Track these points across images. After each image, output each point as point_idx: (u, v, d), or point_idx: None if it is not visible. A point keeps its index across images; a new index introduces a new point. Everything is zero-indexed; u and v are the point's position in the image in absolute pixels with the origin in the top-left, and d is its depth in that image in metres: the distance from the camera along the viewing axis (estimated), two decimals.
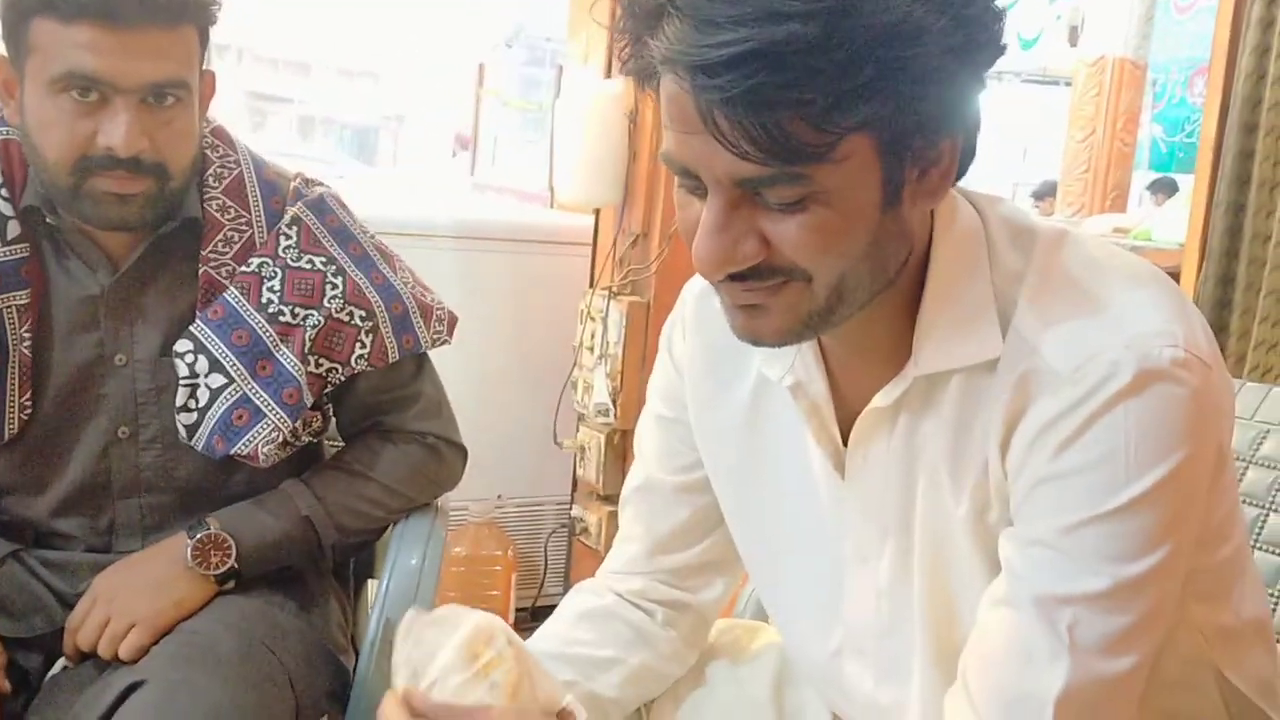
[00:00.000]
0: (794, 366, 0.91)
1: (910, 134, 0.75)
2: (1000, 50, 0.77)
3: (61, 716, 1.16)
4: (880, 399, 0.86)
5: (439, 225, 2.74)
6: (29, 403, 1.25)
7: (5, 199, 1.25)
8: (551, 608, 3.01)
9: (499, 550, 2.65)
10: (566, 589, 2.82)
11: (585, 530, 2.62)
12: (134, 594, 1.22)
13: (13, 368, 1.24)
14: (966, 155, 0.80)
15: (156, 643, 1.19)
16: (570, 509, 2.73)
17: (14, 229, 1.25)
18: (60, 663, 1.26)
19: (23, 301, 1.25)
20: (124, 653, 1.19)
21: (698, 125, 0.73)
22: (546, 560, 2.83)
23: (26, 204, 1.25)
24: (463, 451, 1.45)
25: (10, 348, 1.24)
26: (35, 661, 1.27)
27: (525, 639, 2.84)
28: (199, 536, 1.26)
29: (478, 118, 4.95)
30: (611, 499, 2.60)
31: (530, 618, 2.76)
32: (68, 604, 1.26)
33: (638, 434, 1.11)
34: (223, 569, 1.26)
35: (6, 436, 1.25)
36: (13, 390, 1.24)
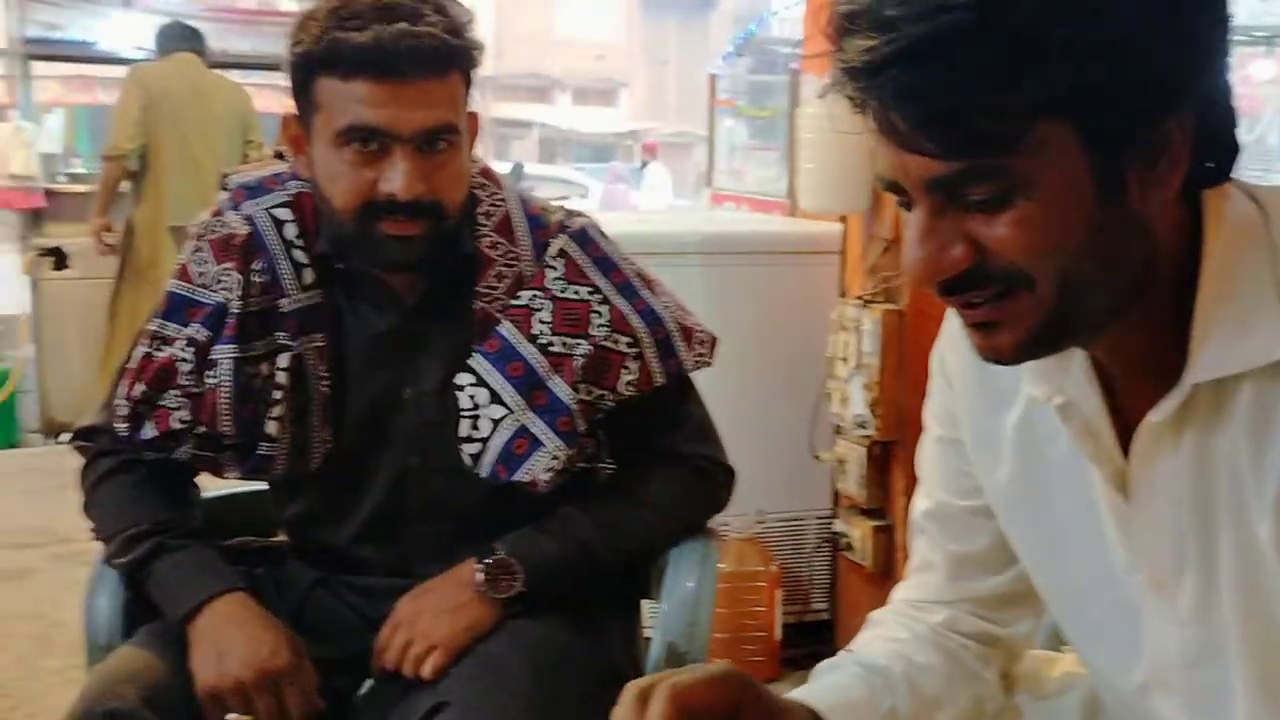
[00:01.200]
0: (1063, 385, 0.86)
1: (1116, 115, 0.70)
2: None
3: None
4: (1156, 413, 0.80)
5: (684, 241, 2.77)
6: (330, 437, 1.35)
7: (301, 248, 1.34)
8: (819, 624, 2.97)
9: (762, 566, 2.64)
10: (833, 605, 2.80)
11: (850, 545, 2.58)
12: (433, 618, 1.28)
13: (315, 405, 1.33)
14: (1214, 137, 0.74)
15: (455, 664, 1.25)
16: (832, 524, 2.70)
17: (309, 276, 1.35)
18: (368, 683, 1.34)
19: (320, 343, 1.34)
20: (426, 673, 1.25)
21: (882, 133, 0.73)
22: (811, 576, 2.80)
23: (320, 251, 1.34)
24: (731, 473, 1.45)
25: (312, 386, 1.33)
26: (345, 682, 1.36)
27: (792, 655, 2.80)
28: (488, 562, 1.31)
29: (712, 128, 4.99)
30: (874, 513, 2.55)
31: (797, 634, 2.74)
32: (373, 626, 1.33)
33: (919, 459, 1.08)
34: (511, 593, 1.31)
35: (311, 469, 1.34)
36: (315, 426, 1.34)
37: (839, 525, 2.65)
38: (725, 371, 1.56)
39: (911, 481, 1.12)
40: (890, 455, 2.51)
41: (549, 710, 1.17)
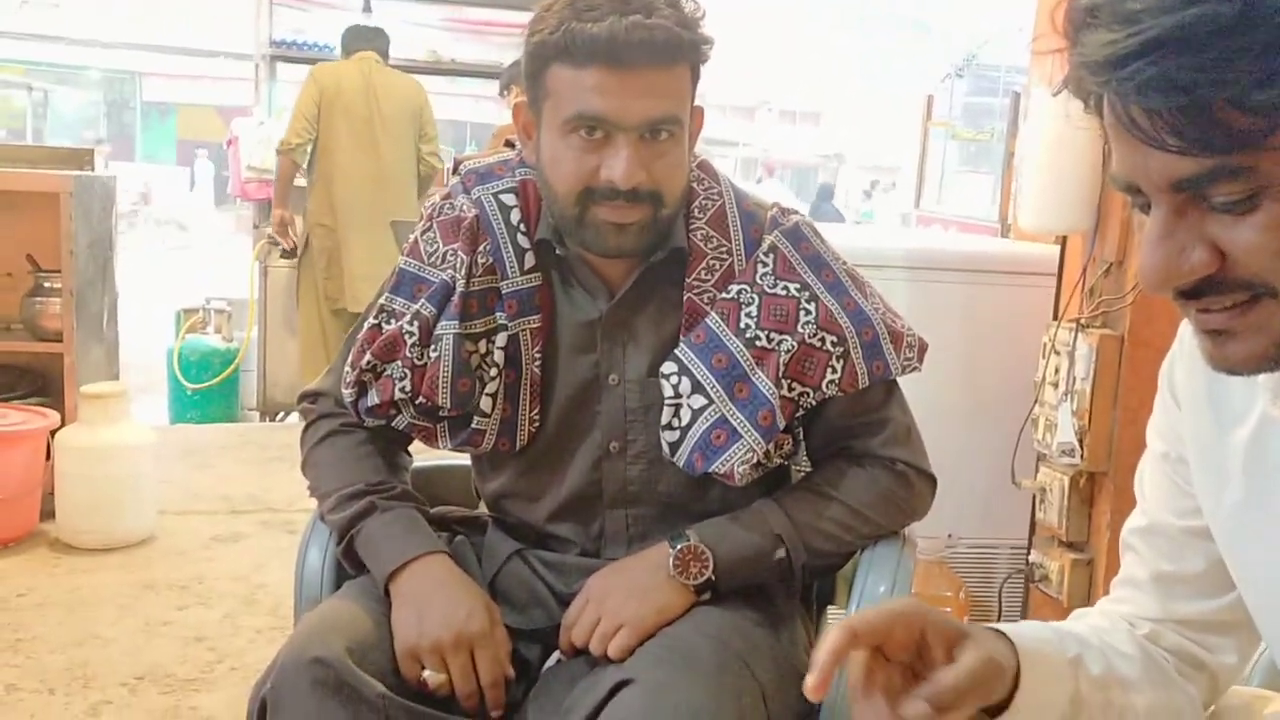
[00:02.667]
0: None
1: None
2: None
3: (556, 705, 1.26)
4: None
5: (890, 255, 2.72)
6: (537, 417, 1.38)
7: (524, 233, 1.39)
8: None
9: (949, 591, 2.57)
10: None
11: (1045, 578, 2.48)
12: (623, 598, 1.30)
13: (525, 385, 1.37)
14: None
15: (641, 644, 1.26)
16: (1028, 554, 2.60)
17: (530, 260, 1.39)
18: (555, 656, 1.36)
19: (535, 325, 1.38)
20: (613, 651, 1.27)
21: (1122, 129, 0.70)
22: (1001, 606, 2.71)
23: (540, 237, 1.38)
24: (932, 481, 1.42)
25: (524, 366, 1.37)
26: (534, 652, 1.39)
27: None
28: (680, 547, 1.32)
29: (924, 150, 4.91)
30: (1076, 545, 2.44)
31: None
32: (563, 601, 1.36)
33: (1138, 476, 1.04)
34: (700, 579, 1.31)
35: (518, 447, 1.38)
36: (524, 405, 1.38)
37: (1035, 556, 2.55)
38: (927, 388, 1.53)
39: (1118, 515, 1.08)
40: (1096, 486, 2.39)
41: (736, 699, 1.17)
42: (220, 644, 2.90)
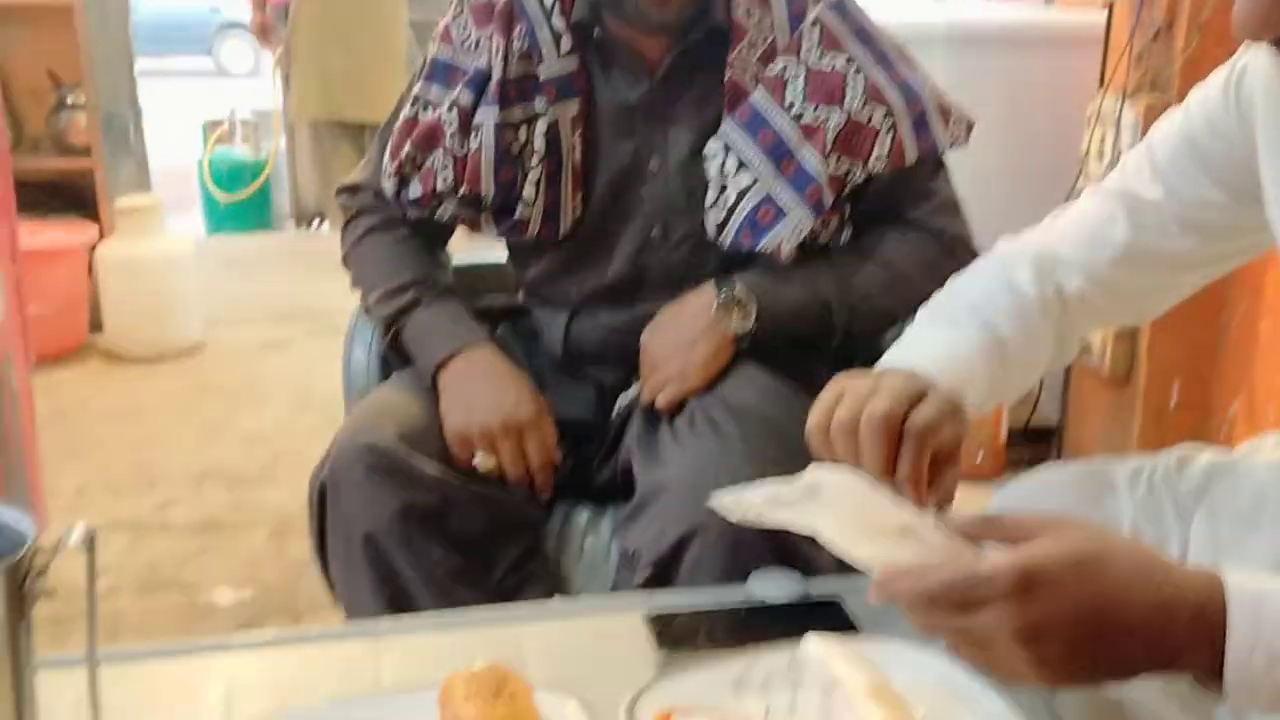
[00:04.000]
0: None
1: None
2: None
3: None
4: None
5: (930, 28, 2.62)
6: (580, 204, 1.37)
7: (559, 14, 1.34)
8: (1046, 430, 2.88)
9: None
10: (1063, 411, 2.72)
11: (1087, 349, 2.48)
12: (669, 351, 1.32)
13: (567, 171, 1.35)
14: None
15: (687, 398, 1.30)
16: None
17: (566, 43, 1.35)
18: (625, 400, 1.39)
19: (573, 111, 1.35)
20: (661, 404, 1.31)
21: None
22: (1043, 379, 2.71)
23: (576, 18, 1.33)
24: (975, 255, 1.39)
25: (565, 153, 1.35)
26: (583, 449, 1.41)
27: (1015, 458, 2.74)
28: (725, 294, 1.32)
29: None
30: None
31: (1022, 439, 2.69)
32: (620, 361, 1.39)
33: (1149, 136, 1.03)
34: (743, 328, 1.32)
35: (560, 235, 1.37)
36: (566, 192, 1.36)
37: None
38: (969, 163, 1.49)
39: None
40: None
41: (778, 466, 1.19)
42: (277, 443, 3.00)
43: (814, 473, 0.81)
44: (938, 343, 0.98)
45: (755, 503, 0.80)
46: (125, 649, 0.99)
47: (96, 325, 3.69)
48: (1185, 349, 2.48)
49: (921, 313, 1.05)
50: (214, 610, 2.19)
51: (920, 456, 0.85)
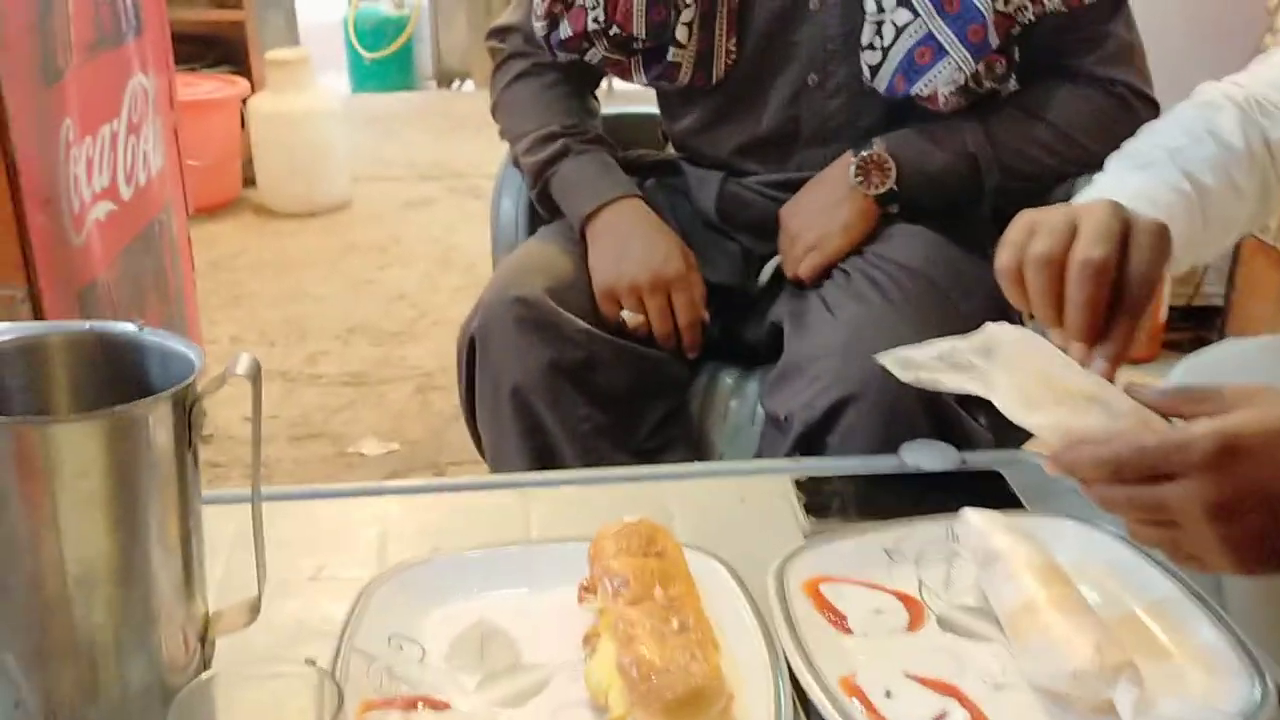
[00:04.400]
0: None
1: None
2: None
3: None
4: None
5: None
6: (734, 48, 1.31)
7: None
8: (1208, 309, 2.74)
9: None
10: (1229, 289, 2.57)
11: (1264, 226, 2.33)
12: (808, 221, 1.28)
13: (721, 13, 1.29)
14: None
15: (832, 266, 1.26)
16: None
17: None
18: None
19: None
20: (804, 273, 1.27)
21: None
22: None
23: None
24: (1154, 107, 1.29)
25: None
26: (728, 313, 1.38)
27: (1175, 338, 2.62)
28: (863, 155, 1.27)
29: None
30: None
31: (1183, 318, 2.56)
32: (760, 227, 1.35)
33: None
34: (882, 189, 1.27)
35: (713, 80, 1.32)
36: (720, 35, 1.30)
37: None
38: (1146, 10, 1.37)
39: None
40: None
41: (937, 332, 1.14)
42: (421, 300, 3.05)
43: (991, 331, 0.76)
44: (1131, 186, 0.89)
45: (924, 361, 0.76)
46: (283, 488, 1.02)
47: (250, 180, 3.78)
48: None
49: (1111, 159, 0.97)
50: (362, 461, 2.27)
51: (1139, 308, 0.77)
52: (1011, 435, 1.28)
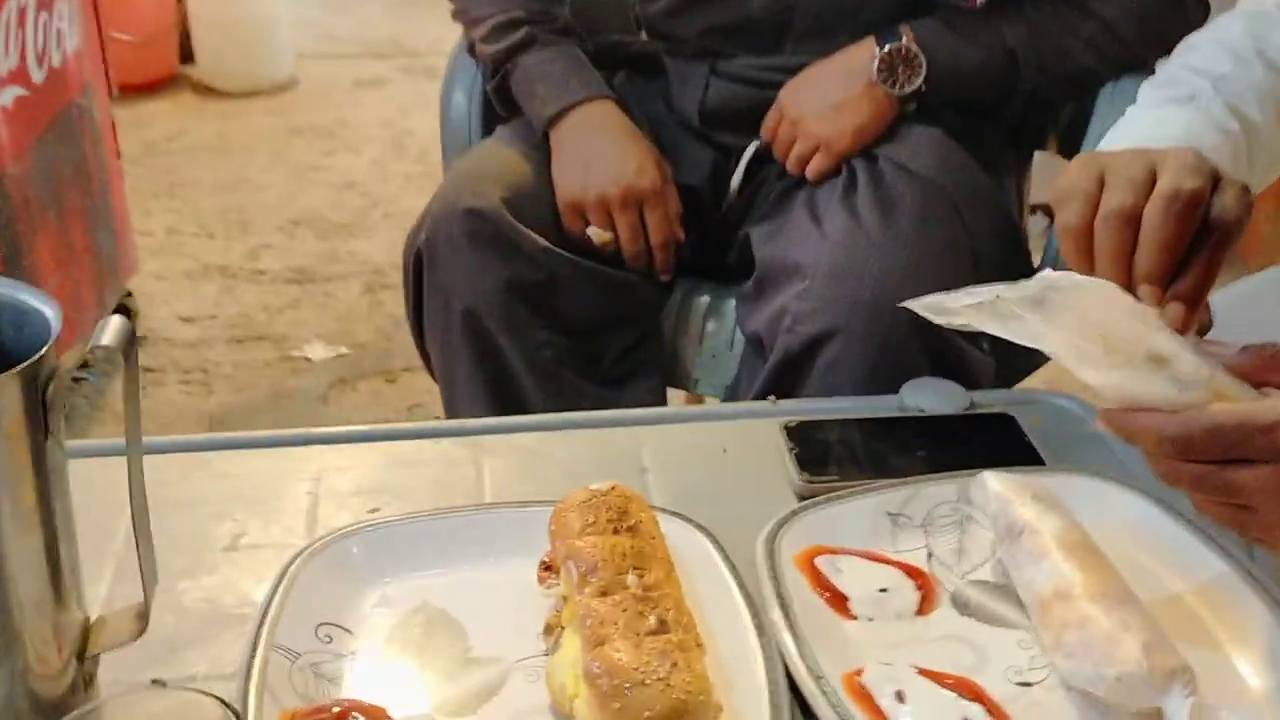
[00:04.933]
0: None
1: None
2: None
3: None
4: None
5: None
6: None
7: None
8: None
9: None
10: None
11: None
12: (818, 116, 1.13)
13: None
14: None
15: (839, 166, 1.13)
16: None
17: None
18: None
19: None
20: (810, 174, 1.14)
21: None
22: None
23: None
24: (1205, 5, 1.15)
25: None
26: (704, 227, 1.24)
27: None
28: (889, 48, 1.12)
29: None
30: None
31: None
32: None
33: None
34: (909, 89, 1.12)
35: None
36: None
37: None
38: None
39: None
40: None
41: (939, 257, 1.02)
42: (372, 190, 2.87)
43: (1048, 279, 0.63)
44: (1175, 127, 0.77)
45: (961, 310, 0.63)
46: (195, 437, 0.89)
47: (187, 56, 3.54)
48: None
49: (1146, 88, 0.84)
50: (308, 366, 2.13)
51: (1222, 247, 0.66)
52: (1021, 362, 1.17)
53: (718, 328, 1.20)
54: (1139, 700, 0.61)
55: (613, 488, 0.72)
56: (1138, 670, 0.60)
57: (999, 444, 0.86)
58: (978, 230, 1.06)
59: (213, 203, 2.79)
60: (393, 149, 3.10)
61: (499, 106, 1.27)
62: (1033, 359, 1.18)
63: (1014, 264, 1.13)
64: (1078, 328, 0.60)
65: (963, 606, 0.72)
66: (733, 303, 1.20)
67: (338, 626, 0.69)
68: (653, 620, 0.63)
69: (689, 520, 0.75)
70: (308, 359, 2.15)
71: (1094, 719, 0.63)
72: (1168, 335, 0.60)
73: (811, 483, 0.81)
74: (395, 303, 2.26)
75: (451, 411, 1.15)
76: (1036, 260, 1.21)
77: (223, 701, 0.54)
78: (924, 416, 0.90)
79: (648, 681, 0.59)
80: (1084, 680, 0.63)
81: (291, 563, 0.71)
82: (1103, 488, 0.78)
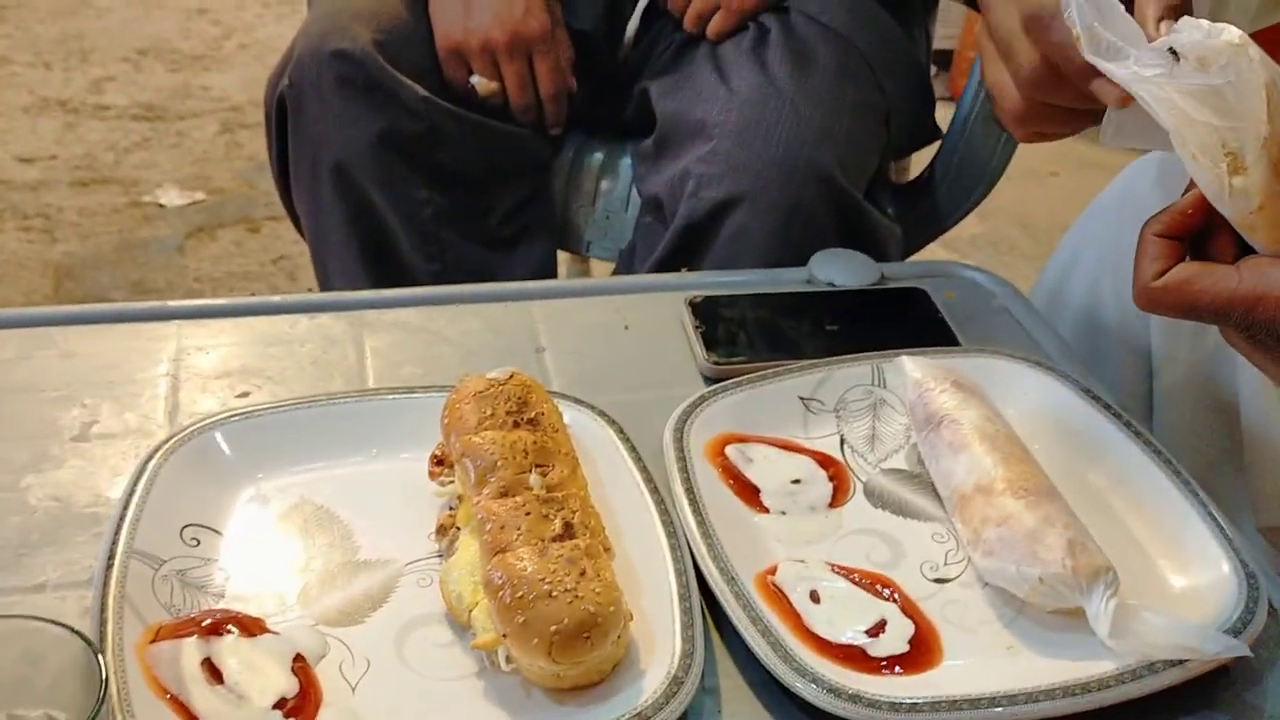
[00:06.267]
0: None
1: None
2: None
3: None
4: None
5: None
6: None
7: None
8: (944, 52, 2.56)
9: None
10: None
11: None
12: None
13: None
14: None
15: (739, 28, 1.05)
16: None
17: None
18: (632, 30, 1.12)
19: None
20: (711, 33, 1.06)
21: None
22: None
23: None
24: None
25: None
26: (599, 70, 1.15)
27: None
28: None
29: None
30: None
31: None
32: None
33: None
34: None
35: None
36: None
37: None
38: None
39: None
40: None
41: (853, 114, 0.96)
42: (225, 17, 2.66)
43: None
44: None
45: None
46: (36, 311, 0.79)
47: None
48: None
49: None
50: (160, 213, 1.98)
51: None
52: (922, 231, 1.14)
53: (612, 186, 1.13)
54: (1061, 601, 0.59)
55: (511, 376, 0.66)
56: (1061, 571, 0.58)
57: (912, 321, 0.82)
58: (891, 89, 1.00)
59: (48, 29, 2.54)
60: None
61: None
62: (930, 230, 1.15)
63: (924, 124, 1.08)
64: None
65: (876, 498, 0.69)
66: (629, 161, 1.13)
67: (205, 528, 0.62)
68: (558, 524, 0.58)
69: (592, 408, 0.69)
70: (160, 205, 2.00)
71: (1010, 615, 0.61)
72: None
73: (720, 364, 0.77)
74: (256, 144, 2.12)
75: (323, 276, 1.07)
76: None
77: (73, 630, 0.47)
78: (835, 291, 0.85)
79: (555, 593, 0.54)
80: (1005, 579, 0.61)
81: (151, 457, 0.64)
82: (1021, 370, 0.75)
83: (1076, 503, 0.64)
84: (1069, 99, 0.60)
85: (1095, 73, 0.55)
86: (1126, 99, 0.55)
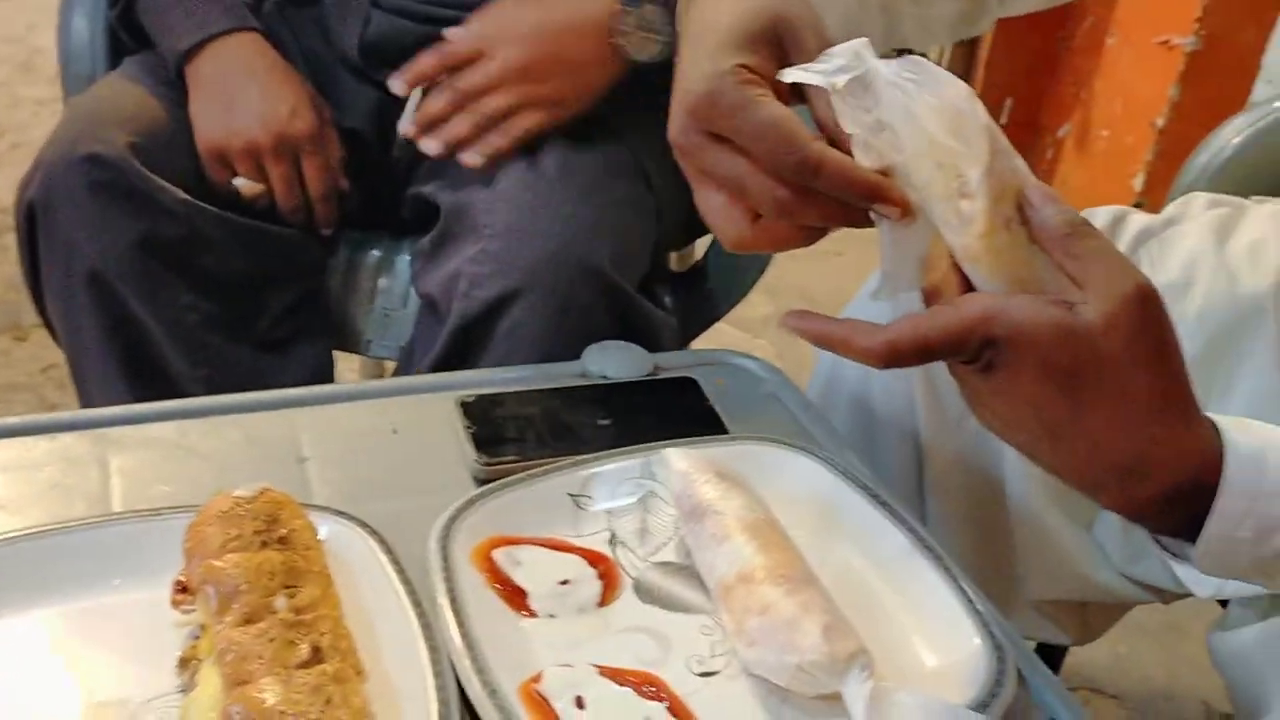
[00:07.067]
0: None
1: None
2: None
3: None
4: None
5: None
6: None
7: None
8: None
9: None
10: None
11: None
12: (544, 71, 0.98)
13: None
14: None
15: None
16: None
17: None
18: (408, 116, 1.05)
19: None
20: (470, 160, 0.99)
21: None
22: None
23: None
24: None
25: None
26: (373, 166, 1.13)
27: None
28: (632, 13, 0.97)
29: None
30: None
31: None
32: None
33: None
34: (648, 55, 0.98)
35: None
36: None
37: None
38: None
39: None
40: None
41: (618, 208, 0.97)
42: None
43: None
44: None
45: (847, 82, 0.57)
46: None
47: None
48: (1024, 64, 2.35)
49: None
50: None
51: None
52: (700, 317, 1.16)
53: (390, 284, 1.11)
54: (820, 687, 0.59)
55: (262, 492, 0.63)
56: (817, 658, 0.59)
57: (682, 410, 0.83)
58: (660, 185, 1.02)
59: None
60: (21, 70, 2.76)
61: (126, 38, 1.11)
62: (706, 317, 1.17)
63: (695, 217, 1.10)
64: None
65: (645, 594, 0.68)
66: (407, 258, 1.11)
67: None
68: (305, 649, 0.55)
69: (352, 519, 0.67)
70: None
71: (775, 705, 0.61)
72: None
73: (489, 465, 0.76)
74: None
75: (82, 390, 1.01)
76: None
77: None
78: (607, 384, 0.86)
79: None
80: (767, 669, 0.61)
81: None
82: (784, 456, 0.76)
83: (837, 586, 0.65)
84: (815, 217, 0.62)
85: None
86: (908, 210, 0.58)
